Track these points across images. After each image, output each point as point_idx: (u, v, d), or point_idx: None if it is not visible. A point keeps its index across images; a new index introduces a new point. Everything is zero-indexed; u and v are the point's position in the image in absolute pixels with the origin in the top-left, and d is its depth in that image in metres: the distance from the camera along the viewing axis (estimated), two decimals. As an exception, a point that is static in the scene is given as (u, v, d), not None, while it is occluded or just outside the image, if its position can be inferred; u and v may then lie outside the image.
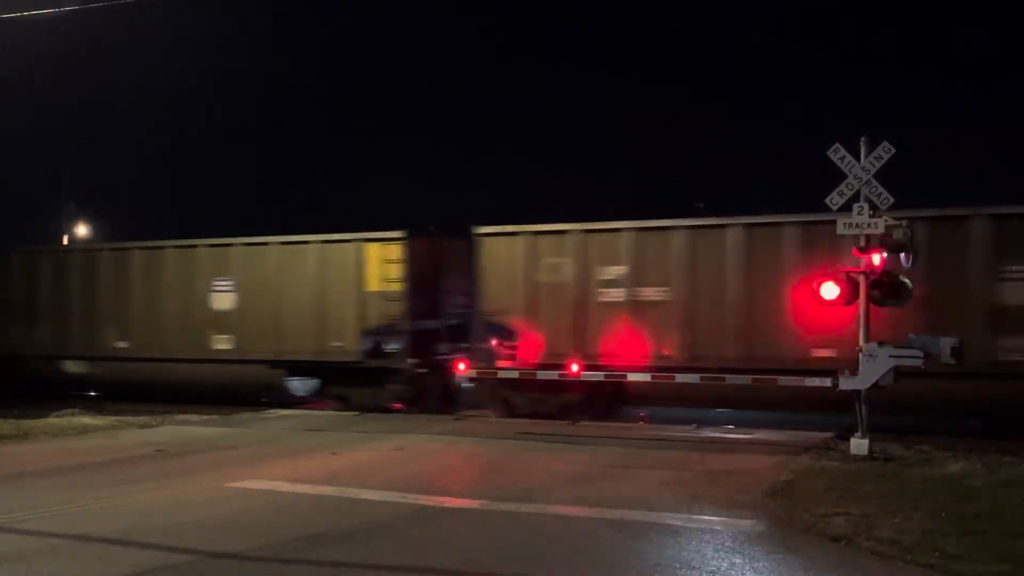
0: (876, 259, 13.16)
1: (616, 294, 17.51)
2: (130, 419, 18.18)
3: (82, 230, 40.00)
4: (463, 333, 19.23)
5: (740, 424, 16.93)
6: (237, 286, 21.20)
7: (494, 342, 18.28)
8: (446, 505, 10.28)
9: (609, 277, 17.60)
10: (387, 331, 19.45)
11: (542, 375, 17.13)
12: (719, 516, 9.41)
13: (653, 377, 16.43)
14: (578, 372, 16.72)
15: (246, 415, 19.28)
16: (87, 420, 18.05)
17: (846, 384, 13.32)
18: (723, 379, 15.36)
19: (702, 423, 16.97)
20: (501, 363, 17.94)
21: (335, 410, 19.99)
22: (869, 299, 13.29)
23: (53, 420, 17.90)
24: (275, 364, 20.64)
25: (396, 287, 19.37)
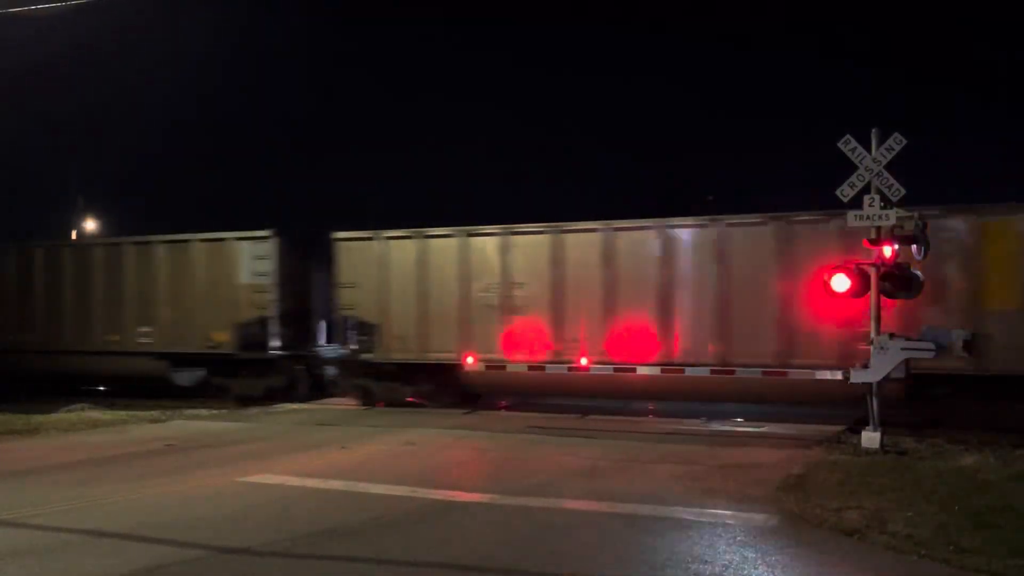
0: (887, 251, 13.06)
1: None
2: (140, 414, 18.21)
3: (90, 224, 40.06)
4: None
5: (749, 418, 16.90)
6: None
7: None
8: (456, 500, 10.26)
9: None
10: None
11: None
12: (731, 510, 9.38)
13: None
14: None
15: (255, 410, 19.32)
16: (96, 415, 18.11)
17: (857, 377, 13.24)
18: None
19: (711, 416, 16.95)
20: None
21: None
22: (880, 291, 13.21)
23: (63, 415, 17.96)
24: None
25: None
